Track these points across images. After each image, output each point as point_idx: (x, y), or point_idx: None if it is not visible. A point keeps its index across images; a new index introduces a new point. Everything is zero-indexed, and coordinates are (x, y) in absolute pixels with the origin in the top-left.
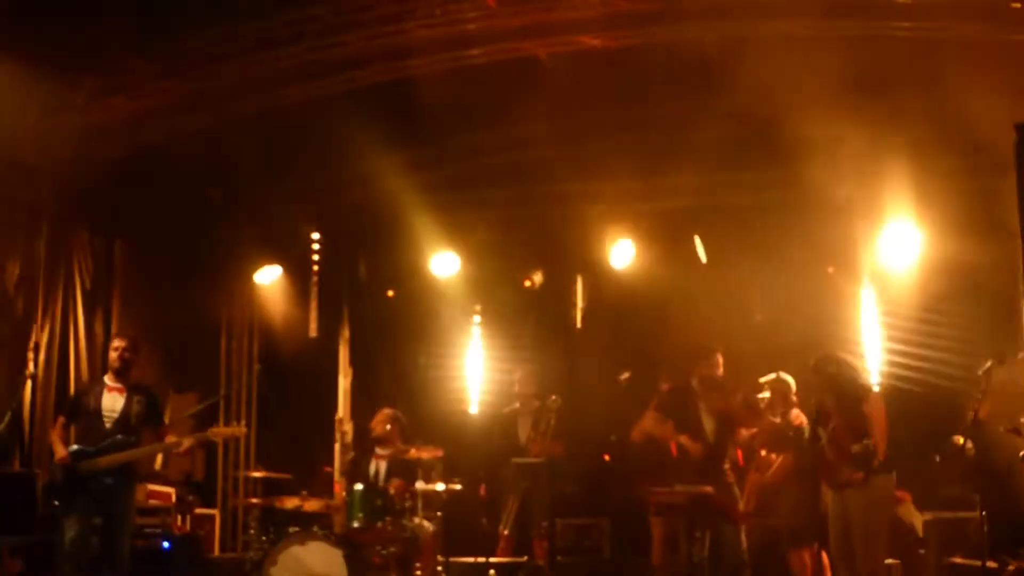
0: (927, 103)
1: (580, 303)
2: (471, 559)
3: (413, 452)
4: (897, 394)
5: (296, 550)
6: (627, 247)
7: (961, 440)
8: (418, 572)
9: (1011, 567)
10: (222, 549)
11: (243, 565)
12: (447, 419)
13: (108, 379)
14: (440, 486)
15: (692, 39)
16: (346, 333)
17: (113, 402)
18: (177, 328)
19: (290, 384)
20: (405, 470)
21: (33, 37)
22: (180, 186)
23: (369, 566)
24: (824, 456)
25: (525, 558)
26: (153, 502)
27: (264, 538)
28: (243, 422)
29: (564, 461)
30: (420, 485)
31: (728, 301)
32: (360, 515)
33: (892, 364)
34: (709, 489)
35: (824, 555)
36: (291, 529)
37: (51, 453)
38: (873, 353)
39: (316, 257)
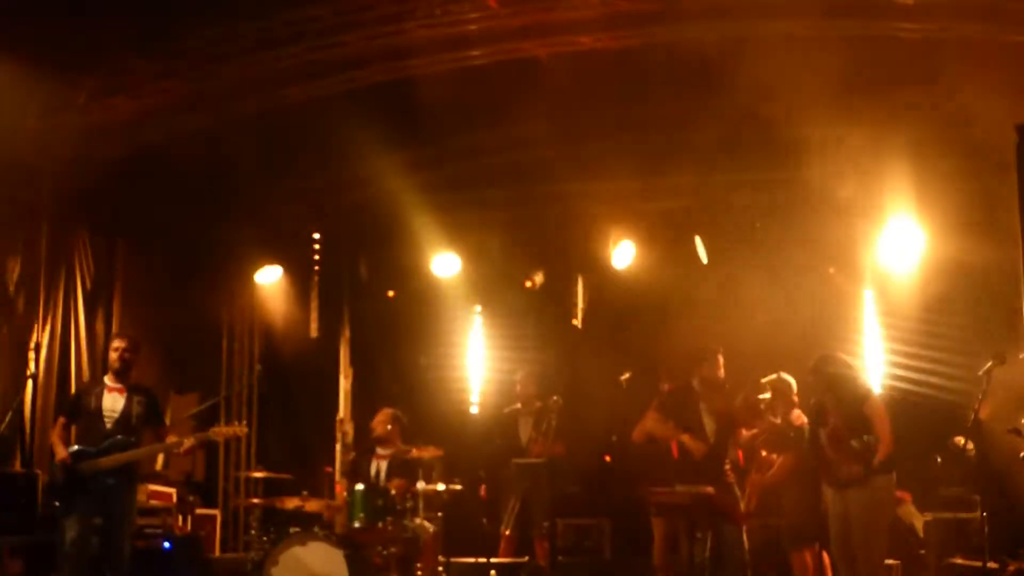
0: (928, 104)
1: (581, 303)
2: (472, 559)
3: (415, 452)
4: (897, 394)
5: (297, 550)
6: (628, 247)
7: (962, 441)
8: (419, 572)
9: (1011, 568)
10: (223, 549)
11: (244, 565)
12: (448, 419)
13: (108, 379)
14: (441, 486)
15: (692, 39)
16: (347, 333)
17: (113, 402)
18: (178, 328)
19: (291, 384)
20: (406, 470)
21: (33, 37)
22: (180, 186)
23: (370, 566)
24: (824, 455)
25: (526, 558)
26: (154, 502)
27: (265, 538)
28: (244, 422)
29: (565, 461)
30: (421, 485)
31: (729, 301)
32: (361, 515)
33: (892, 364)
34: (710, 489)
35: (825, 555)
36: (292, 529)
37: (52, 453)
38: (873, 353)
39: (317, 257)
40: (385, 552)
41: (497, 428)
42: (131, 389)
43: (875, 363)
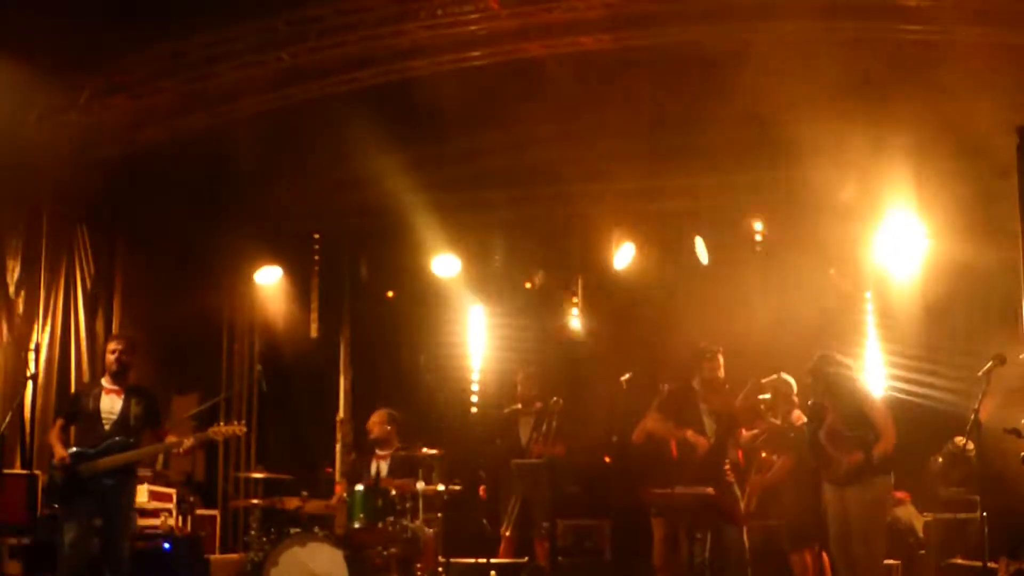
0: (928, 105)
1: (581, 304)
2: (472, 560)
3: (425, 450)
4: (897, 395)
5: (297, 551)
6: (628, 248)
7: (962, 441)
8: (419, 573)
9: (1012, 568)
10: (223, 550)
11: (244, 566)
12: (448, 419)
13: (105, 381)
14: (440, 486)
15: (693, 40)
16: (347, 333)
17: (111, 404)
18: (178, 328)
19: (291, 384)
20: (407, 470)
21: (33, 37)
22: (180, 186)
23: (370, 567)
24: (824, 453)
25: (526, 559)
26: (154, 503)
27: (265, 539)
28: (243, 422)
29: (565, 462)
30: (421, 485)
31: (729, 302)
32: (361, 516)
33: (892, 365)
34: (710, 490)
35: (825, 556)
36: (292, 530)
37: (51, 454)
38: (873, 354)
39: (317, 257)
40: (385, 552)
41: (497, 428)
42: (129, 390)
43: (875, 364)
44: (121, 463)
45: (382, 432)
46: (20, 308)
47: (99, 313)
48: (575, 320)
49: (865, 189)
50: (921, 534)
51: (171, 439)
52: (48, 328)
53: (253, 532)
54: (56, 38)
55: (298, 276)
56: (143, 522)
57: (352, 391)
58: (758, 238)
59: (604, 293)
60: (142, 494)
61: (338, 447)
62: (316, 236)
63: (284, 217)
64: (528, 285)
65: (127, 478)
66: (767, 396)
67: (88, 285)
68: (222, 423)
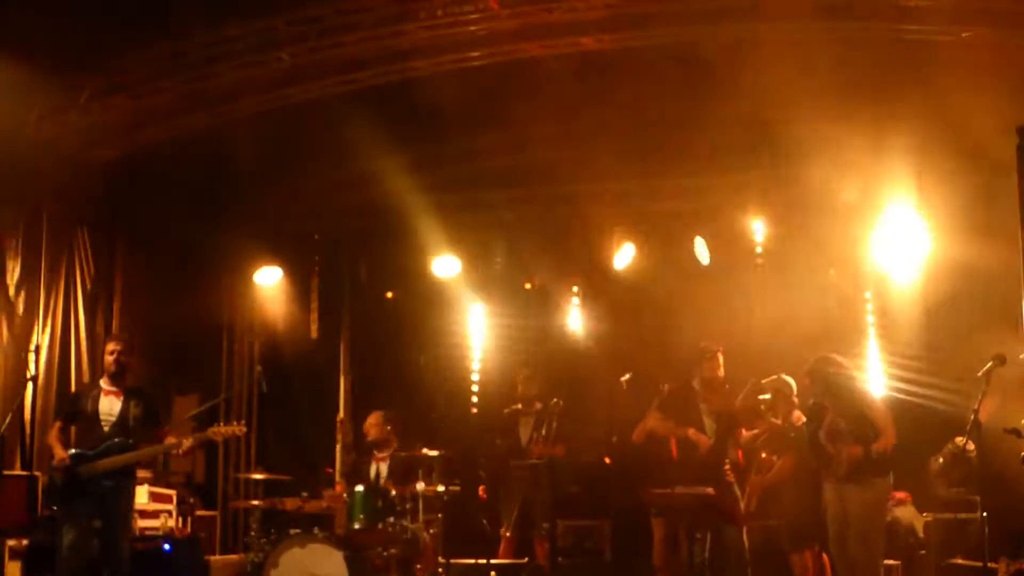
0: (929, 105)
1: (581, 305)
2: (472, 560)
3: (424, 450)
4: (897, 396)
5: (297, 552)
6: (628, 248)
7: (962, 441)
8: (419, 574)
9: (1012, 568)
10: (223, 551)
11: (244, 567)
12: (448, 420)
13: (104, 382)
14: (440, 487)
15: (693, 40)
16: (347, 334)
17: (110, 405)
18: (178, 329)
19: (291, 385)
20: (407, 470)
21: (33, 37)
22: (180, 186)
23: (370, 568)
24: (824, 452)
25: (526, 559)
26: (154, 504)
27: (265, 540)
28: (243, 422)
29: (565, 462)
30: (421, 486)
31: (729, 302)
32: (361, 516)
33: (892, 365)
34: (710, 490)
35: (825, 556)
36: (292, 531)
37: (51, 456)
38: (873, 355)
39: (317, 258)
40: (385, 553)
41: (497, 429)
42: (128, 391)
43: (875, 364)
44: (120, 464)
45: (379, 434)
46: (20, 309)
47: (99, 314)
48: (575, 320)
49: (865, 189)
50: (921, 534)
51: (170, 440)
52: (48, 329)
53: (253, 533)
54: (56, 38)
55: (298, 276)
56: (143, 523)
57: (352, 391)
58: (758, 238)
59: (604, 293)
60: (142, 495)
61: (338, 447)
62: (316, 236)
63: (284, 217)
64: (528, 285)
65: (126, 479)
66: (767, 396)
67: (88, 285)
68: (221, 423)
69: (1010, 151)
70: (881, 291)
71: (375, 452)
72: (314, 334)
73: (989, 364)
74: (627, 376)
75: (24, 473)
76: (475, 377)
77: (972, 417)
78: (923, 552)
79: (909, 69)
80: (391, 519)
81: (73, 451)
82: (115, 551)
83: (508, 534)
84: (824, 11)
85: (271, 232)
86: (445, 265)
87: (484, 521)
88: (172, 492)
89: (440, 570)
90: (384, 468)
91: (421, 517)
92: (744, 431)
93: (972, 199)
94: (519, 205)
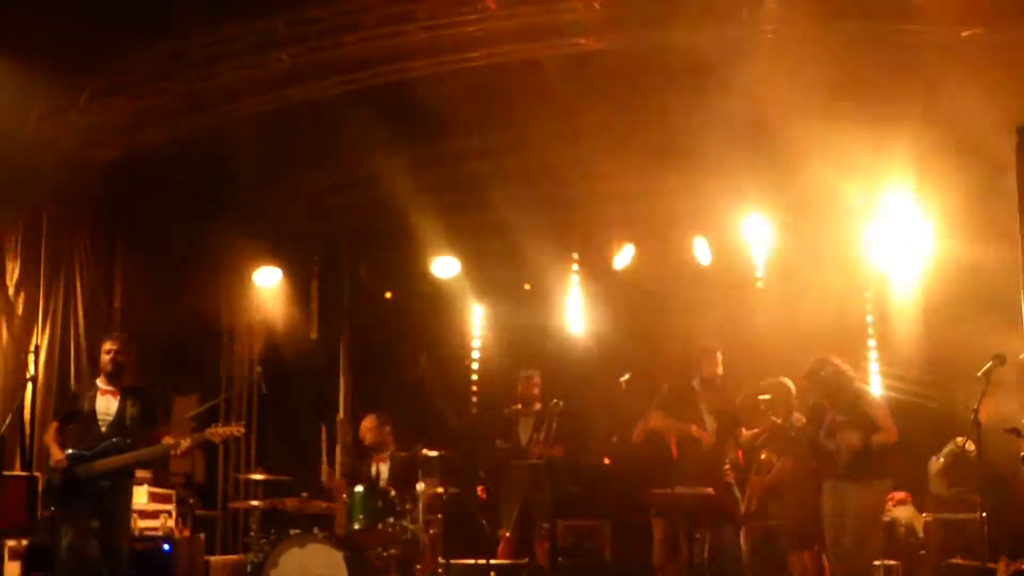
0: (929, 105)
1: (581, 305)
2: (471, 561)
3: (424, 451)
4: (897, 396)
5: (297, 552)
6: (628, 248)
7: (962, 441)
8: (419, 574)
9: (1012, 568)
10: (223, 551)
11: (244, 567)
12: (447, 420)
13: (100, 382)
14: (440, 488)
15: (692, 41)
16: (347, 334)
17: (107, 405)
18: (178, 329)
19: (291, 385)
20: (407, 471)
21: (33, 37)
22: (180, 186)
23: (370, 568)
24: (823, 451)
25: (526, 560)
26: (153, 504)
27: (265, 540)
28: (241, 422)
29: (564, 462)
30: (420, 487)
31: (729, 302)
32: (361, 517)
33: (892, 365)
34: (710, 490)
35: (824, 557)
36: (292, 531)
37: (49, 456)
38: (873, 355)
39: (317, 258)
40: (385, 554)
41: (497, 429)
42: (125, 391)
43: (875, 364)
44: (118, 465)
45: (376, 437)
46: (20, 309)
47: (98, 314)
48: (575, 320)
49: (865, 189)
50: (921, 534)
51: (168, 440)
52: (48, 329)
53: (253, 533)
54: (56, 38)
55: (298, 277)
56: (143, 523)
57: (352, 392)
58: (757, 238)
59: (604, 294)
60: (141, 495)
61: (338, 448)
62: (316, 236)
63: (284, 217)
64: (527, 286)
65: (124, 479)
66: (767, 396)
67: (88, 286)
68: (220, 424)
69: (1010, 150)
70: (881, 291)
71: (374, 454)
72: (314, 334)
73: (989, 364)
74: (626, 376)
75: (24, 474)
76: (475, 377)
77: (972, 417)
78: (923, 552)
79: (909, 69)
80: (391, 519)
81: (70, 452)
82: (114, 551)
83: (508, 534)
84: (824, 11)
85: (271, 232)
86: (445, 265)
87: (484, 521)
88: (172, 492)
89: (440, 570)
90: (384, 469)
91: (421, 517)
92: (744, 430)
93: (972, 198)
94: (519, 205)
